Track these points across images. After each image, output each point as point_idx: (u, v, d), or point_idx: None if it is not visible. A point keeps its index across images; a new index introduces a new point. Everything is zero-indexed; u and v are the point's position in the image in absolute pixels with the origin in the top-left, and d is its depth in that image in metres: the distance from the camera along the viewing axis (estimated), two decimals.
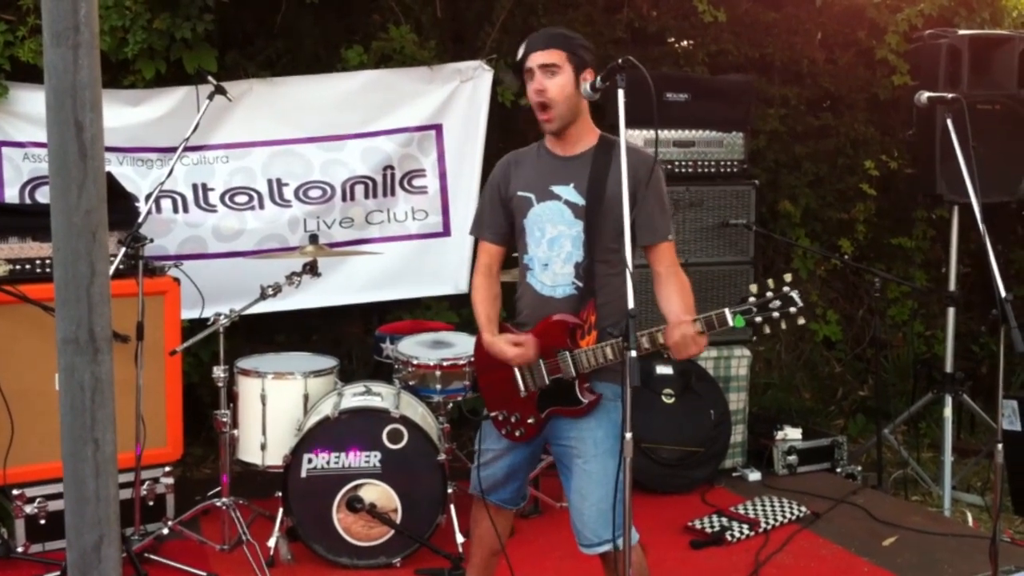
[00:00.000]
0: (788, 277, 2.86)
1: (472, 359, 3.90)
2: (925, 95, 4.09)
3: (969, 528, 4.61)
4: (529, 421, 3.09)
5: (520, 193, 3.09)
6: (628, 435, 2.76)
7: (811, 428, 5.41)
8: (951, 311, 5.04)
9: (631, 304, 2.71)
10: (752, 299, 2.85)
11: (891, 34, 6.04)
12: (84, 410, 1.08)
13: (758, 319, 2.84)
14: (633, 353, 2.64)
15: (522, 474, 3.25)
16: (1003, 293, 3.44)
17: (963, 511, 4.81)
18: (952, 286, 5.04)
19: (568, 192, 3.02)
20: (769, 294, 2.84)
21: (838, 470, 5.27)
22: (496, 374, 3.12)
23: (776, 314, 2.84)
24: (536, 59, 2.98)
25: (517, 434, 3.12)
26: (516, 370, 3.08)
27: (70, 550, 1.07)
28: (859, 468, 5.26)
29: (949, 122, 3.83)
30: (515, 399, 3.10)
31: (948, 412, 4.92)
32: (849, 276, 6.38)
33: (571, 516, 3.04)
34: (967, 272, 6.12)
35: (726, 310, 2.84)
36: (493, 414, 3.16)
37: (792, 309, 2.84)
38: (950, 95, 3.96)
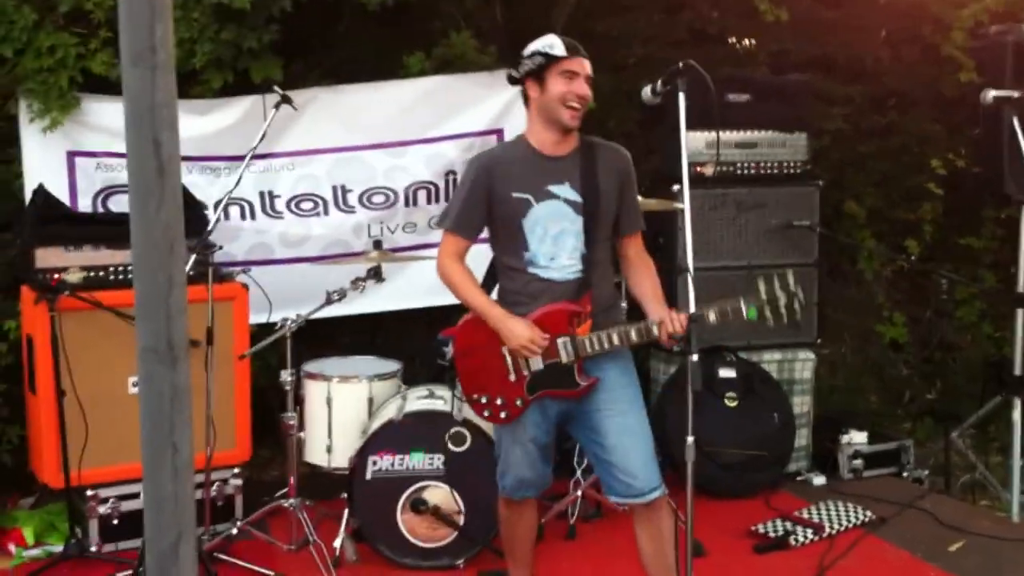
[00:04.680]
0: (791, 276, 3.11)
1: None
2: (991, 94, 4.03)
3: None
4: (516, 403, 3.25)
5: (516, 195, 3.22)
6: (690, 439, 2.85)
7: (877, 432, 5.33)
8: (1020, 312, 4.94)
9: (692, 308, 2.82)
10: (762, 290, 3.11)
11: (956, 30, 5.93)
12: (163, 416, 1.13)
13: (767, 312, 3.11)
14: (695, 357, 2.72)
15: (540, 462, 3.35)
16: None
17: None
18: (1021, 287, 4.95)
19: (565, 191, 3.22)
20: (776, 286, 3.11)
21: (905, 474, 5.20)
22: (480, 357, 3.28)
23: (783, 308, 3.11)
24: (585, 67, 3.19)
25: (502, 416, 3.27)
26: (507, 354, 3.22)
27: (149, 550, 1.12)
28: (926, 472, 5.19)
29: (1016, 121, 3.78)
30: (501, 382, 3.26)
31: (1017, 416, 4.82)
32: (916, 277, 6.28)
33: (615, 473, 3.19)
34: None
35: (740, 301, 3.11)
36: (474, 397, 3.30)
37: (796, 304, 3.11)
38: (1016, 94, 3.89)
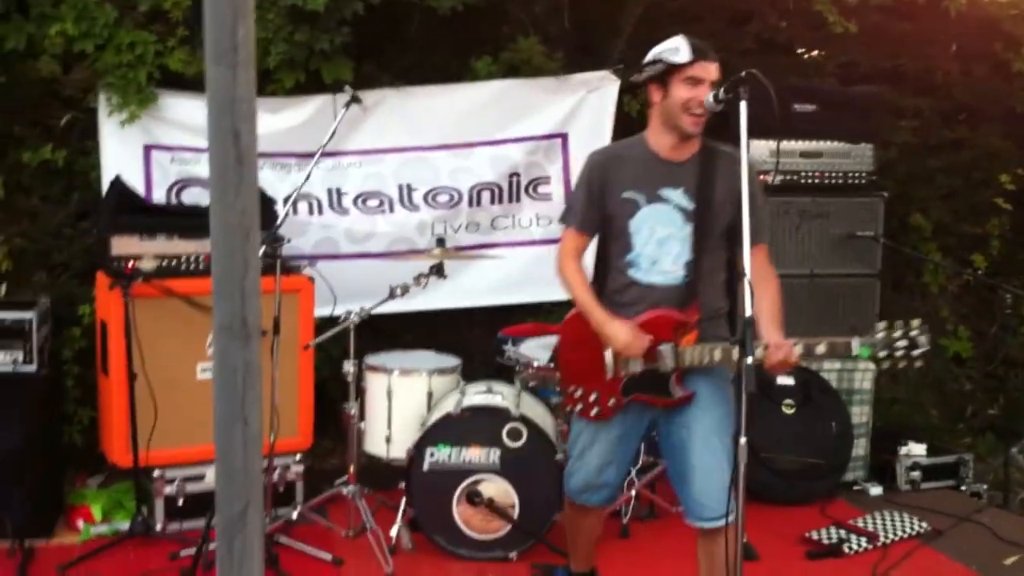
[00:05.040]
0: (916, 322, 2.91)
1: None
2: None
3: None
4: (609, 403, 3.24)
5: (627, 195, 3.22)
6: (743, 440, 2.85)
7: (937, 445, 5.29)
8: None
9: (748, 312, 2.82)
10: (881, 334, 2.91)
11: None
12: (235, 391, 1.20)
13: (881, 354, 2.91)
14: (750, 360, 2.72)
15: (615, 468, 3.35)
16: None
17: None
18: None
19: (678, 196, 3.18)
20: (897, 333, 2.90)
21: (963, 488, 5.15)
22: (584, 352, 3.27)
23: (899, 353, 2.89)
24: (711, 72, 3.12)
25: (593, 413, 3.27)
26: (608, 352, 3.20)
27: (219, 516, 1.20)
28: (985, 487, 5.14)
29: None
30: (598, 379, 3.25)
31: None
32: (982, 292, 6.21)
33: (690, 493, 3.17)
34: None
35: (853, 340, 2.93)
36: (569, 388, 3.30)
37: (916, 352, 2.89)
38: None
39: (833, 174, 5.18)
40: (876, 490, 5.03)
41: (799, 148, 5.11)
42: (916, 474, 5.11)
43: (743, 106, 2.86)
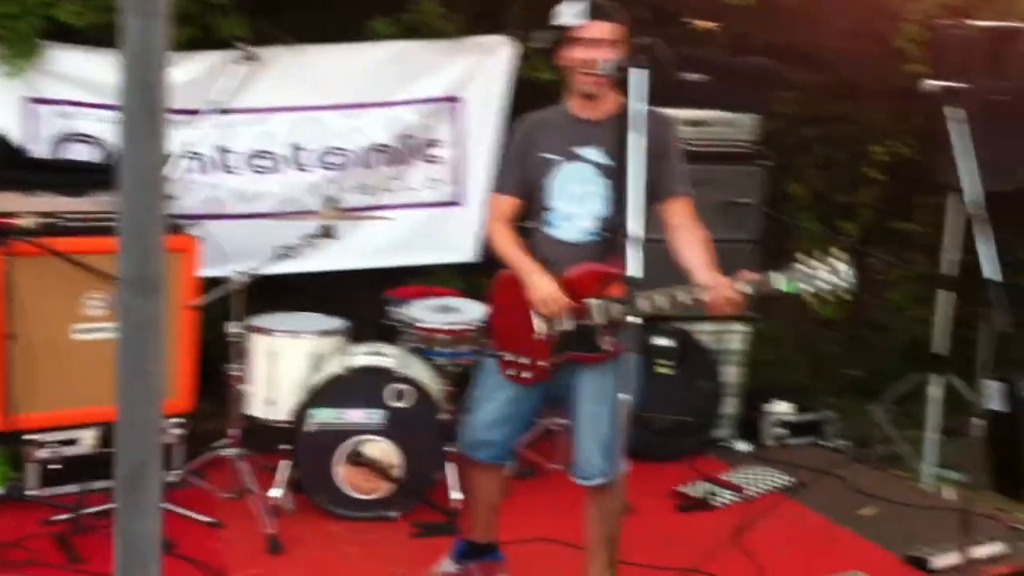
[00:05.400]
0: (837, 250, 3.03)
1: (477, 325, 4.15)
2: (929, 83, 4.21)
3: (946, 502, 4.77)
4: (540, 364, 3.31)
5: (546, 155, 3.32)
6: (627, 397, 2.96)
7: (803, 404, 5.58)
8: (943, 294, 5.18)
9: (632, 271, 2.92)
10: (802, 267, 3.00)
11: (909, 23, 6.12)
12: (138, 344, 1.21)
13: (805, 287, 2.99)
14: (635, 319, 2.82)
15: (512, 424, 3.45)
16: (992, 276, 3.61)
17: (942, 486, 4.96)
18: (944, 270, 5.18)
19: (595, 154, 3.27)
20: (818, 264, 3.00)
21: (826, 444, 5.45)
22: (514, 314, 3.33)
23: (824, 285, 2.99)
24: (604, 31, 3.18)
25: (524, 375, 3.34)
26: (537, 314, 3.27)
27: (119, 469, 1.23)
28: (847, 443, 5.44)
29: (951, 111, 3.97)
30: (529, 341, 3.31)
31: (934, 392, 5.08)
32: (852, 259, 6.47)
33: (578, 451, 3.32)
34: (970, 259, 6.22)
35: (771, 275, 3.04)
36: (501, 354, 3.37)
37: (842, 282, 2.98)
38: (952, 85, 4.07)
39: (718, 143, 5.36)
40: (745, 446, 5.30)
41: (686, 116, 5.27)
42: (782, 431, 5.39)
43: (639, 73, 2.96)
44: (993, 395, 5.02)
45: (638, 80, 2.94)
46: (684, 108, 5.24)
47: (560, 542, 3.92)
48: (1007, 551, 4.13)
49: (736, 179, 5.34)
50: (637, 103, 3.07)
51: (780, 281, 3.04)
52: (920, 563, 4.00)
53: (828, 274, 3.00)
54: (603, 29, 3.18)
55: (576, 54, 3.21)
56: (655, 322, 5.08)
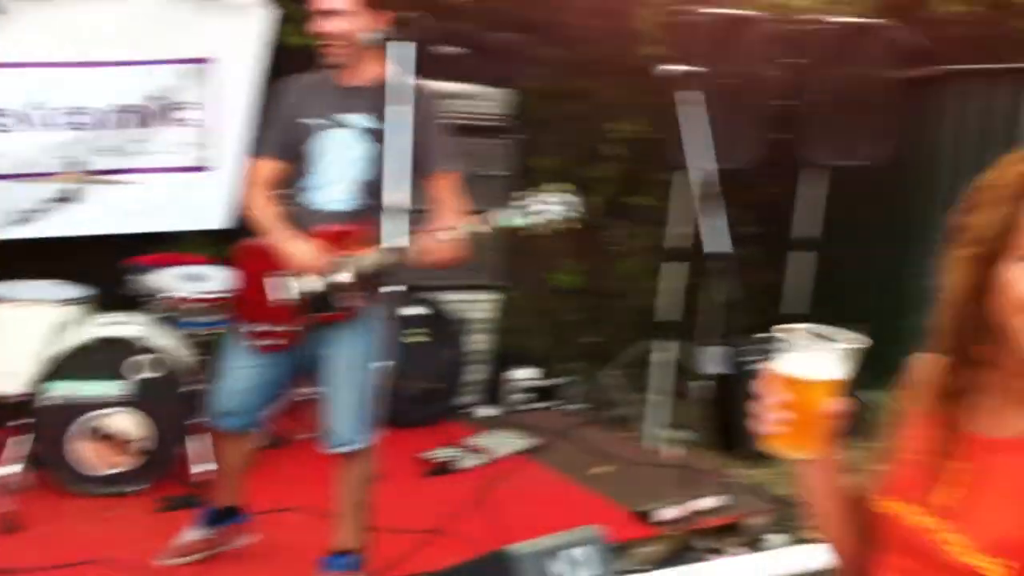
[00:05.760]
0: (554, 186, 3.23)
1: (227, 293, 4.11)
2: (664, 68, 4.52)
3: (671, 459, 5.17)
4: (285, 331, 3.32)
5: (308, 120, 3.31)
6: (383, 365, 3.06)
7: (545, 369, 5.88)
8: (671, 264, 5.58)
9: (395, 240, 3.05)
10: (528, 199, 3.20)
11: (648, 7, 6.48)
12: None
13: (526, 220, 3.19)
14: (395, 288, 2.87)
15: (258, 393, 3.46)
16: (718, 249, 3.96)
17: (666, 445, 5.36)
18: (668, 243, 5.58)
19: (359, 120, 3.27)
20: (536, 197, 3.21)
21: (565, 407, 5.78)
22: (257, 282, 3.34)
23: (548, 216, 3.20)
24: (335, 3, 3.19)
25: (269, 343, 3.35)
26: (281, 280, 3.29)
27: None
28: (584, 406, 5.79)
29: (683, 94, 4.29)
30: (273, 309, 3.32)
31: (659, 357, 5.47)
32: (591, 231, 6.85)
33: (327, 419, 3.36)
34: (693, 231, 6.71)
35: (491, 213, 3.20)
36: (245, 323, 3.38)
37: (562, 212, 3.19)
38: (685, 69, 4.38)
39: (471, 116, 5.51)
40: (491, 411, 5.55)
41: (441, 89, 5.37)
42: (525, 395, 5.68)
43: (391, 47, 3.03)
44: (715, 359, 5.49)
45: (402, 54, 3.03)
46: (439, 80, 5.35)
47: (310, 510, 4.00)
48: (724, 503, 4.52)
49: (488, 152, 5.52)
50: (400, 76, 3.20)
51: (512, 217, 3.22)
52: (646, 516, 4.34)
53: (554, 204, 3.22)
54: (334, 1, 3.20)
55: (314, 26, 3.25)
56: (406, 293, 5.24)
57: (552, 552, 2.67)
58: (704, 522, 4.34)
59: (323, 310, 3.30)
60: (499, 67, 5.57)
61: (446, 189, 3.36)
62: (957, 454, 1.47)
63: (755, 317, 6.97)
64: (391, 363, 3.15)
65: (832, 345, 1.50)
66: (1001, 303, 1.39)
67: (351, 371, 3.32)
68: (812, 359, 1.50)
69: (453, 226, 3.20)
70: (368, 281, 3.26)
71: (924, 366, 1.58)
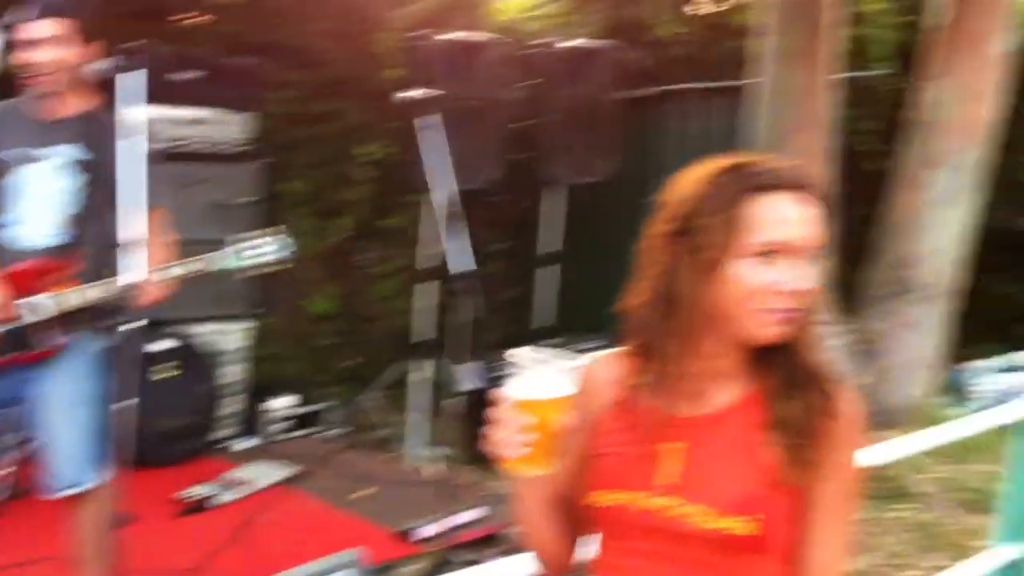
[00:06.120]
0: (272, 229, 3.29)
1: None
2: (403, 94, 4.61)
3: (431, 477, 5.24)
4: None
5: (4, 154, 3.14)
6: (122, 405, 2.96)
7: (305, 396, 5.83)
8: (423, 285, 5.67)
9: (132, 276, 2.97)
10: (235, 245, 3.24)
11: (388, 31, 6.57)
12: None
13: (244, 263, 3.25)
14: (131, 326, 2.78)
15: None
16: (463, 269, 4.08)
17: (427, 463, 5.43)
18: (420, 265, 5.67)
19: (62, 151, 3.15)
20: (253, 241, 3.27)
21: (325, 433, 5.75)
22: None
23: (263, 259, 3.26)
24: (37, 31, 3.06)
25: None
26: None
27: None
28: (345, 430, 5.78)
29: (422, 120, 4.39)
30: None
31: (419, 375, 5.55)
32: (346, 254, 6.87)
33: (49, 463, 3.20)
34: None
35: (209, 256, 3.19)
36: None
37: (274, 255, 3.27)
38: (421, 96, 4.48)
39: (212, 142, 5.40)
40: (249, 443, 5.44)
41: (181, 116, 5.24)
42: (284, 424, 5.61)
43: (121, 79, 2.94)
44: (469, 375, 5.61)
45: (131, 83, 2.95)
46: (177, 106, 5.22)
47: (60, 560, 3.78)
48: (483, 515, 4.62)
49: (233, 178, 5.43)
50: (126, 107, 3.12)
51: (225, 260, 3.25)
52: (407, 535, 4.38)
53: (267, 247, 3.29)
54: (35, 29, 3.08)
55: (21, 55, 3.11)
56: (153, 327, 5.06)
57: None
58: (464, 536, 4.43)
59: (21, 349, 3.14)
60: (239, 91, 5.48)
61: (153, 224, 3.22)
62: (667, 436, 1.59)
63: (507, 331, 7.22)
64: (133, 401, 3.04)
65: (557, 365, 1.58)
66: (729, 296, 1.53)
67: (67, 410, 3.19)
68: (542, 380, 1.58)
69: (160, 266, 3.15)
70: (74, 317, 3.14)
71: (605, 365, 1.70)
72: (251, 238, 3.27)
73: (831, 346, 5.96)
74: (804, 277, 1.52)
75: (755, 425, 1.56)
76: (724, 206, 1.52)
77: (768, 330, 1.53)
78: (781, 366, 1.57)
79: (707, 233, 1.52)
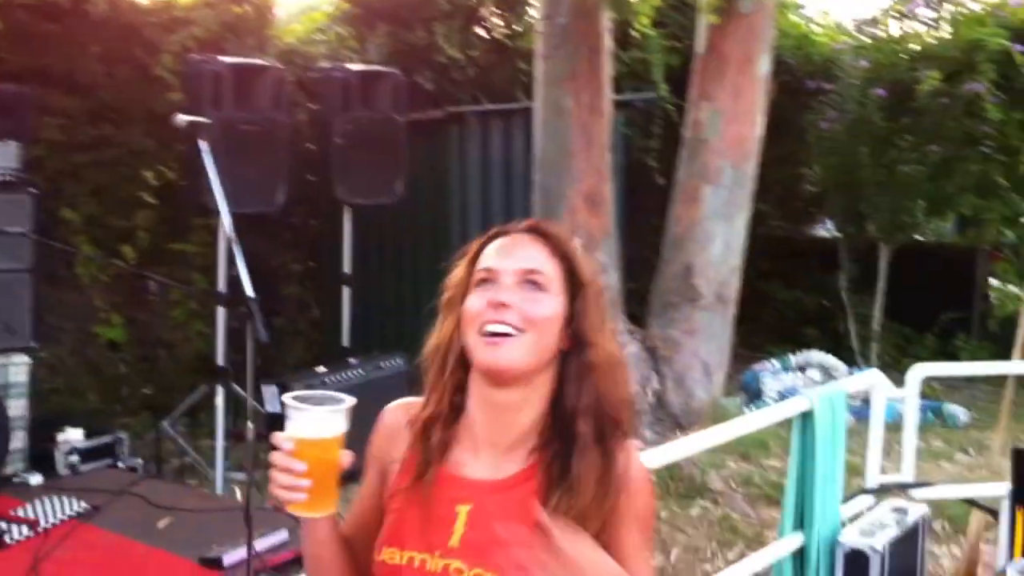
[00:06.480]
0: None
1: None
2: (181, 117, 4.57)
3: (238, 502, 5.18)
4: None
5: None
6: None
7: (95, 428, 5.61)
8: (221, 310, 5.60)
9: None
10: None
11: (166, 54, 6.45)
12: None
13: None
14: None
15: None
16: (250, 293, 4.07)
17: (234, 488, 5.39)
18: (221, 287, 5.60)
19: None
20: None
21: (120, 464, 5.55)
22: None
23: None
24: None
25: None
26: None
27: None
28: (140, 461, 5.61)
29: (203, 143, 4.37)
30: None
31: (219, 401, 5.47)
32: (132, 281, 6.68)
33: None
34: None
35: None
36: None
37: None
38: (198, 119, 4.46)
39: None
40: (36, 479, 5.17)
41: None
42: (75, 458, 5.36)
43: None
44: (269, 398, 5.59)
45: None
46: None
47: None
48: (290, 538, 4.60)
49: (3, 208, 5.19)
50: None
51: None
52: (215, 563, 4.30)
53: None
54: None
55: None
56: None
57: None
58: (272, 559, 4.39)
59: None
60: (5, 119, 5.26)
61: None
62: (455, 498, 1.67)
63: (305, 351, 7.22)
64: None
65: (331, 406, 1.62)
66: (464, 328, 1.67)
67: None
68: (317, 420, 1.61)
69: None
70: None
71: (401, 412, 1.79)
72: None
73: (626, 353, 6.29)
74: (505, 295, 1.64)
75: (538, 490, 1.64)
76: (465, 255, 1.72)
77: (484, 353, 1.64)
78: (562, 431, 1.65)
79: (452, 278, 1.72)
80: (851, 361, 7.99)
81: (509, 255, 1.67)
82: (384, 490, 1.74)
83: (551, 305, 1.65)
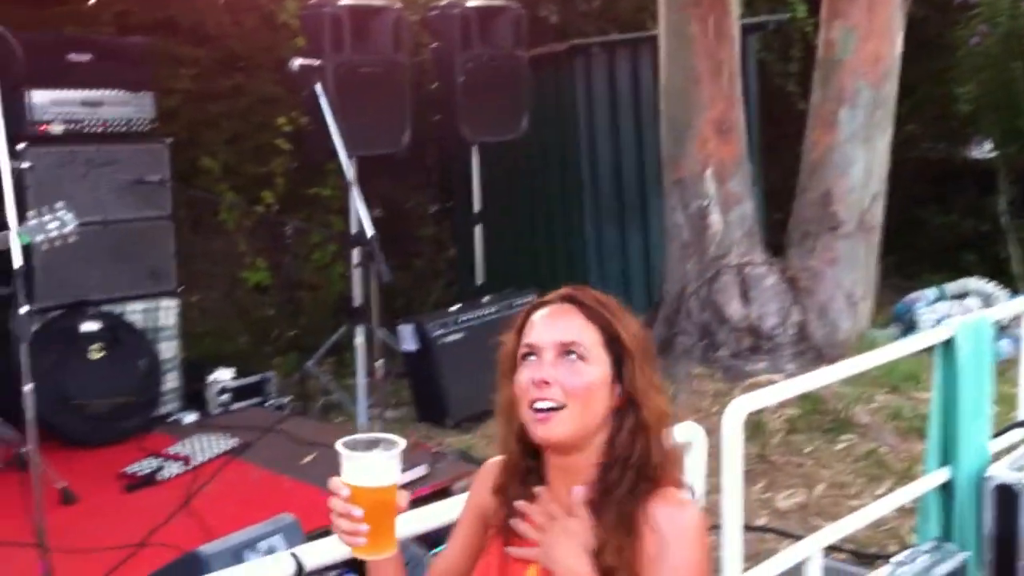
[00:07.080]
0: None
1: None
2: (297, 62, 4.58)
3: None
4: None
5: None
6: (28, 387, 2.94)
7: (244, 369, 5.80)
8: (354, 251, 5.67)
9: None
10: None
11: (289, 0, 6.52)
12: None
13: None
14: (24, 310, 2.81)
15: None
16: (370, 233, 4.09)
17: (376, 423, 5.47)
18: (354, 229, 5.67)
19: None
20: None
21: (268, 403, 5.74)
22: None
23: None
24: None
25: None
26: None
27: None
28: (287, 399, 5.78)
29: (319, 86, 4.36)
30: None
31: (359, 341, 5.55)
32: (273, 226, 6.84)
33: None
34: (381, 216, 6.86)
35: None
36: None
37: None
38: (317, 62, 4.45)
39: (116, 122, 5.32)
40: (190, 417, 5.40)
41: (79, 97, 5.16)
42: (226, 397, 5.56)
43: None
44: (405, 338, 5.66)
45: None
46: (73, 89, 5.14)
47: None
48: (432, 471, 4.66)
49: (140, 157, 5.35)
50: None
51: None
52: None
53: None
54: None
55: None
56: (80, 308, 5.04)
57: (246, 545, 2.67)
58: (415, 492, 4.46)
59: None
60: (136, 70, 5.40)
61: None
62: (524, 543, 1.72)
63: (444, 291, 7.27)
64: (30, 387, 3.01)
65: (383, 450, 1.62)
66: (518, 406, 1.71)
67: None
68: (369, 467, 1.61)
69: None
70: None
71: (492, 469, 1.86)
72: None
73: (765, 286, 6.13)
74: (547, 371, 1.68)
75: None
76: (512, 325, 1.78)
77: (536, 429, 1.69)
78: (606, 477, 1.71)
79: (504, 350, 1.78)
80: (1013, 288, 7.56)
81: (548, 328, 1.72)
82: (480, 540, 1.85)
83: (592, 373, 1.71)
